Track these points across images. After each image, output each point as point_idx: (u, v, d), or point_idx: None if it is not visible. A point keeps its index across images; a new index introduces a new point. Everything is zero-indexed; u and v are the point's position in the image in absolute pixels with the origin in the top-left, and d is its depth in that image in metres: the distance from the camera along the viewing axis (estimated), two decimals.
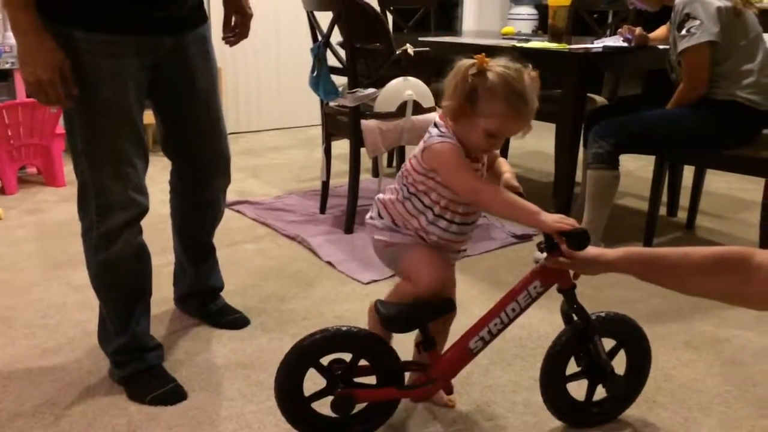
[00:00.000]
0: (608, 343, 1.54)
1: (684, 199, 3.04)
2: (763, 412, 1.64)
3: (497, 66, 1.32)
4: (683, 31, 2.38)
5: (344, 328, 1.43)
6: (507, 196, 1.37)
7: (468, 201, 1.42)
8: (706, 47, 2.36)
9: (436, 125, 1.41)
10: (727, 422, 1.60)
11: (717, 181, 3.53)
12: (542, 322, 2.02)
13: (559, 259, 1.39)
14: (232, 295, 2.11)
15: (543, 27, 5.19)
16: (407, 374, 1.54)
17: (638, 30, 2.72)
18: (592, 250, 1.36)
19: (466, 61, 1.34)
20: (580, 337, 1.49)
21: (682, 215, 3.04)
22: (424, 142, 1.41)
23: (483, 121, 1.33)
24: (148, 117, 4.50)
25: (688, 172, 2.99)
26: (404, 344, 1.54)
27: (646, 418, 1.61)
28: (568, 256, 1.37)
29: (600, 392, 1.57)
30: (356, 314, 2.10)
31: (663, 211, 2.99)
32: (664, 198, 2.97)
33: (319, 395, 1.45)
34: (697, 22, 2.33)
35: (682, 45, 2.39)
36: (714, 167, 2.67)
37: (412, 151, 1.46)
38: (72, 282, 2.29)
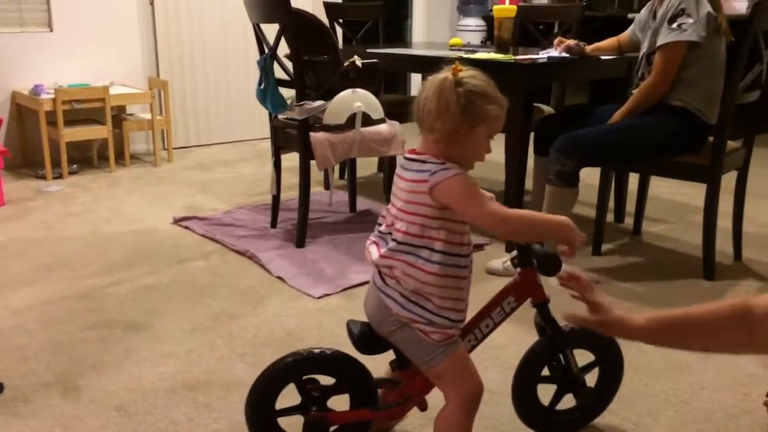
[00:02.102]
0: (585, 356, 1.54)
1: (630, 206, 3.10)
2: (709, 415, 1.67)
3: (465, 71, 1.25)
4: (674, 25, 2.38)
5: (329, 351, 1.41)
6: (531, 215, 1.31)
7: (493, 230, 1.32)
8: (686, 47, 2.39)
9: (423, 161, 1.27)
10: (675, 426, 1.62)
11: (660, 187, 3.61)
12: (497, 333, 2.01)
13: (579, 317, 1.26)
14: (179, 313, 2.05)
15: (491, 38, 5.26)
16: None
17: (574, 42, 2.74)
18: (615, 312, 1.26)
19: (440, 76, 1.25)
20: (552, 349, 1.50)
21: (629, 221, 3.10)
22: (427, 181, 1.24)
23: (484, 129, 1.25)
24: (92, 132, 4.30)
25: (633, 179, 3.05)
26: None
27: (596, 424, 1.62)
28: (594, 313, 1.26)
29: (568, 402, 1.56)
30: (307, 330, 2.07)
31: (610, 217, 3.05)
32: (611, 205, 3.03)
33: (288, 411, 1.42)
34: (691, 20, 2.36)
35: (668, 38, 2.39)
36: (658, 174, 2.73)
37: (396, 201, 1.32)
38: (10, 305, 2.19)
